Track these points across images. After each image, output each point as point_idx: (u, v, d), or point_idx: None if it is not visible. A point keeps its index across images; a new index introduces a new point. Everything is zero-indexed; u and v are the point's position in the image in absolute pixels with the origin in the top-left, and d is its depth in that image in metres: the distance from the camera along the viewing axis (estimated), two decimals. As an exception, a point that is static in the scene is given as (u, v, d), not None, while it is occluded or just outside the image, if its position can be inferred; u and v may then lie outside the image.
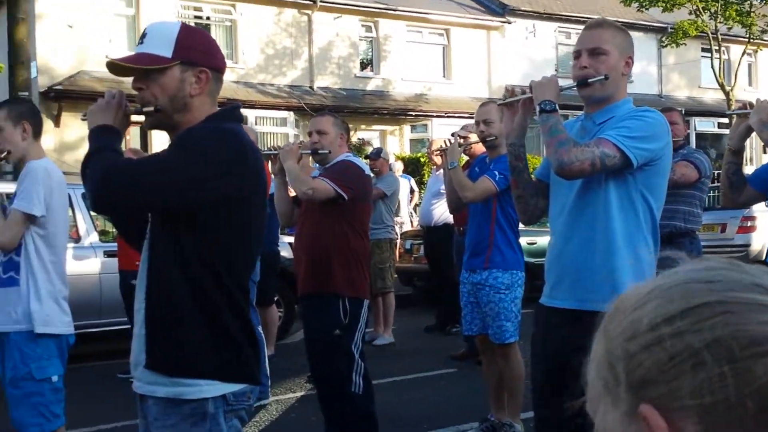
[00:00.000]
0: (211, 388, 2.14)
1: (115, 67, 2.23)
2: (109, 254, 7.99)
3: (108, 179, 2.08)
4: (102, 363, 7.69)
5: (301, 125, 18.90)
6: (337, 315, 4.15)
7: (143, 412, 2.28)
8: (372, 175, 6.31)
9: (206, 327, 2.15)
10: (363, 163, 4.52)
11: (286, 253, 8.66)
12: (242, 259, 2.24)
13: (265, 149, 4.91)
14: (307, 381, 6.75)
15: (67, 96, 15.86)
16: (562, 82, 2.98)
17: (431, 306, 9.89)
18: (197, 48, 2.23)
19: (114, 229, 8.64)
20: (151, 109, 2.20)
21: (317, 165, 4.60)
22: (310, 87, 19.93)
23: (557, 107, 2.88)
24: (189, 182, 2.09)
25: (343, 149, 4.45)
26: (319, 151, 4.35)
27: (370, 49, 21.39)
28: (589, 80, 2.87)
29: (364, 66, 21.17)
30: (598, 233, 2.86)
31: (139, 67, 2.20)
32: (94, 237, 8.19)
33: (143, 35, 2.25)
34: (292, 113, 18.89)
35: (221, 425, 2.16)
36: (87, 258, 7.88)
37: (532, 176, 3.18)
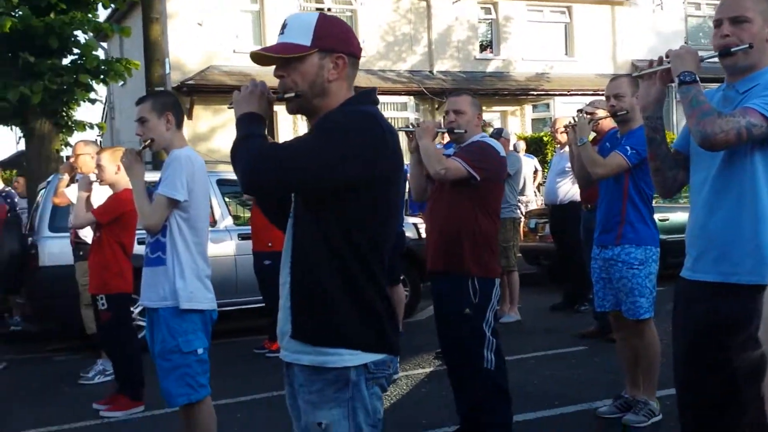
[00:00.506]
0: (353, 357, 2.24)
1: (258, 57, 2.35)
2: (243, 237, 8.35)
3: (256, 163, 2.20)
4: (238, 339, 8.04)
5: (421, 109, 19.02)
6: (467, 294, 4.18)
7: (289, 379, 2.41)
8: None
9: (348, 299, 2.25)
10: (498, 144, 4.47)
11: (410, 233, 8.79)
12: (381, 236, 2.32)
13: (402, 127, 4.97)
14: (435, 357, 6.85)
15: (198, 90, 16.57)
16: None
17: (557, 285, 9.79)
18: (334, 36, 2.32)
19: (246, 214, 9.04)
20: (292, 94, 2.31)
21: (444, 145, 4.63)
22: (430, 71, 19.98)
23: (698, 78, 2.81)
24: (331, 164, 2.18)
25: (479, 129, 4.45)
26: (455, 131, 4.36)
27: (490, 31, 21.22)
28: (732, 50, 2.78)
29: (483, 48, 21.03)
30: (744, 205, 2.77)
31: (280, 56, 2.31)
32: (229, 221, 8.57)
33: (284, 26, 2.36)
34: (412, 98, 19.02)
35: (363, 392, 2.26)
36: (222, 241, 8.27)
37: (671, 148, 3.11)
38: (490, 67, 20.75)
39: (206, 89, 16.61)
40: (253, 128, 2.32)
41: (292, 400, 2.43)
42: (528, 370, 6.21)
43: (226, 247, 8.33)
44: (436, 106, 19.02)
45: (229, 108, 2.54)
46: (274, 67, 2.36)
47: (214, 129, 16.96)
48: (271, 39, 17.30)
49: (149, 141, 3.81)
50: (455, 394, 4.48)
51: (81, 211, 5.71)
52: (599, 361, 6.41)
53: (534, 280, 10.96)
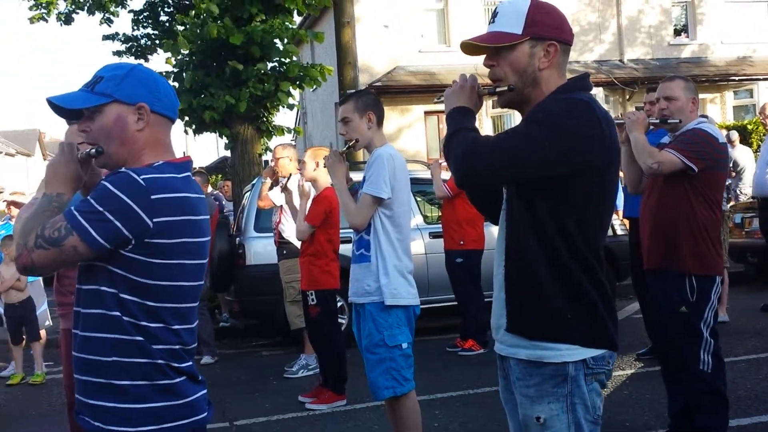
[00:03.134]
0: (571, 353, 2.18)
1: (468, 47, 2.34)
2: (434, 235, 8.42)
3: (469, 157, 2.19)
4: (430, 338, 8.10)
5: (611, 100, 18.35)
6: (683, 292, 3.93)
7: (504, 372, 2.38)
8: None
9: (565, 293, 2.19)
10: (716, 130, 4.12)
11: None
12: (598, 226, 2.25)
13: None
14: (635, 359, 6.58)
15: (385, 92, 16.94)
16: None
17: (767, 284, 9.10)
18: (546, 22, 2.26)
19: (436, 213, 9.11)
20: (505, 88, 2.27)
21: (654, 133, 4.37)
22: (620, 60, 19.27)
23: None
24: (545, 155, 2.12)
25: (695, 115, 4.12)
26: (669, 121, 4.10)
27: (684, 15, 20.15)
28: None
29: (677, 33, 20.00)
30: None
31: (490, 46, 2.28)
32: (419, 219, 8.67)
33: (494, 14, 2.33)
34: (601, 89, 18.37)
35: (582, 387, 2.19)
36: (413, 239, 8.34)
37: None
38: (685, 53, 19.70)
39: (393, 90, 16.95)
40: (465, 122, 2.31)
41: (506, 393, 2.41)
42: (740, 373, 5.81)
43: (417, 245, 8.42)
44: (627, 96, 18.31)
45: (435, 102, 2.55)
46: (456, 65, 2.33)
47: (401, 129, 17.28)
48: (456, 37, 17.53)
49: (353, 141, 3.91)
50: (668, 394, 4.26)
51: (301, 225, 5.86)
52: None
53: (742, 279, 10.25)
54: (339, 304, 7.02)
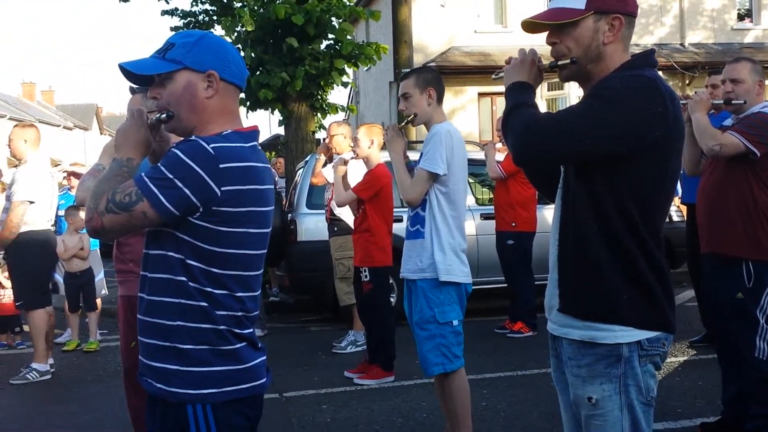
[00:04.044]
0: (625, 334, 2.15)
1: (529, 25, 2.30)
2: (485, 217, 8.39)
3: (528, 132, 2.16)
4: (479, 319, 8.09)
5: (670, 85, 17.94)
6: (739, 278, 3.87)
7: (556, 351, 2.37)
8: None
9: (620, 274, 2.16)
10: None
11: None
12: (658, 207, 2.21)
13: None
14: (688, 346, 6.50)
15: (439, 72, 16.75)
16: None
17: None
18: None
19: (487, 194, 9.07)
20: (567, 61, 2.23)
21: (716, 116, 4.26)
22: (681, 44, 18.84)
23: None
24: (607, 131, 2.09)
25: (761, 99, 4.03)
26: (733, 102, 4.01)
27: (748, -1, 19.60)
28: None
29: (741, 17, 19.47)
30: None
31: (552, 23, 2.25)
32: (471, 200, 8.64)
33: None
34: (660, 73, 17.95)
35: (636, 369, 2.17)
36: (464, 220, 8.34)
37: None
38: (749, 38, 19.17)
39: (447, 70, 16.83)
40: (524, 97, 2.28)
41: (558, 372, 2.40)
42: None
43: (468, 226, 8.35)
44: (687, 81, 17.91)
45: (494, 78, 2.52)
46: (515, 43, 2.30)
47: (454, 110, 17.19)
48: (513, 17, 17.34)
49: (412, 116, 3.91)
50: (723, 381, 4.20)
51: (341, 190, 6.01)
52: None
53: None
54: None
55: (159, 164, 2.02)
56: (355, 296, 6.41)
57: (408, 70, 11.57)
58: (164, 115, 2.15)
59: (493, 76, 2.56)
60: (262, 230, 2.15)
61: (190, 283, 2.04)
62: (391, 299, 7.52)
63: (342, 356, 6.84)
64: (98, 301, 8.12)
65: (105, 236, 2.10)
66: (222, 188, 2.00)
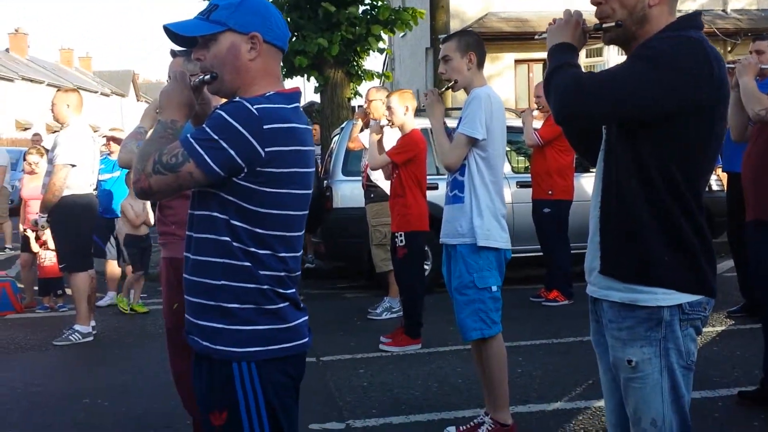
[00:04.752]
0: (666, 297, 2.15)
1: None
2: (521, 185, 8.35)
3: (571, 93, 2.14)
4: (514, 287, 8.09)
5: (711, 53, 17.60)
6: None
7: (596, 315, 2.37)
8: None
9: (663, 236, 2.15)
10: None
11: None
12: (702, 169, 2.19)
13: None
14: (726, 316, 6.45)
15: (453, 36, 16.62)
16: None
17: None
18: None
19: (523, 162, 9.01)
20: (612, 24, 2.21)
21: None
22: (723, 10, 18.41)
23: None
24: (652, 92, 2.06)
25: None
26: None
27: (795, -38, 19.05)
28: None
29: (786, -18, 18.95)
30: None
31: None
32: (507, 168, 8.59)
33: None
34: (701, 40, 17.67)
35: (677, 332, 2.17)
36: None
37: None
38: (794, 4, 18.67)
39: (484, 37, 16.45)
40: (567, 57, 2.26)
41: (597, 336, 2.40)
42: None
43: (504, 194, 8.35)
44: (729, 48, 17.52)
45: (536, 39, 2.51)
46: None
47: (491, 77, 17.01)
48: (551, -17, 16.98)
49: (453, 83, 3.88)
50: (765, 349, 4.17)
51: (375, 154, 6.03)
52: None
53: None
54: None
55: (204, 125, 2.04)
56: (392, 262, 6.43)
57: (444, 36, 11.51)
58: (208, 77, 2.16)
59: (536, 37, 2.55)
60: (304, 191, 2.17)
61: (234, 243, 2.07)
62: (426, 266, 7.54)
63: (377, 322, 6.90)
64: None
65: (152, 197, 2.13)
66: (266, 149, 2.01)
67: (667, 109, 2.09)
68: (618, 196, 2.21)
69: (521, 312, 7.01)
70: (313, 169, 2.21)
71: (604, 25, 2.24)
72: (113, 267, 8.36)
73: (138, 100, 64.03)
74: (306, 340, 2.21)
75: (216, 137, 2.00)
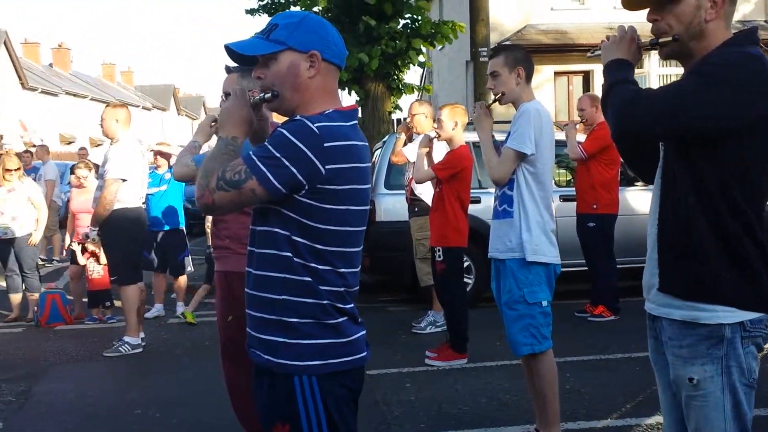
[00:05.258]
0: (727, 315, 2.14)
1: (630, 1, 2.30)
2: (564, 198, 8.29)
3: (629, 109, 2.14)
4: (558, 302, 8.01)
5: (755, 63, 17.37)
6: None
7: (654, 332, 2.36)
8: None
9: (722, 254, 2.14)
10: None
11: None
12: (762, 185, 2.17)
13: None
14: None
15: (501, 51, 16.60)
16: None
17: None
18: None
19: (565, 176, 8.96)
20: (669, 39, 2.22)
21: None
22: (765, 21, 18.18)
23: None
24: (711, 108, 2.06)
25: None
26: None
27: (841, -29, 18.73)
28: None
29: (832, -9, 18.65)
30: None
31: None
32: (551, 182, 8.54)
33: None
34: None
35: (738, 350, 2.15)
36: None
37: None
38: (840, 13, 18.37)
39: (523, 50, 16.62)
40: (624, 74, 2.27)
41: (656, 354, 2.39)
42: None
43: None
44: (773, 59, 17.26)
45: (589, 56, 2.52)
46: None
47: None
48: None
49: (500, 95, 3.90)
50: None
51: (421, 167, 6.05)
52: None
53: None
54: (465, 264, 7.06)
55: (266, 143, 2.08)
56: (432, 277, 6.45)
57: (484, 49, 11.48)
58: (268, 95, 2.20)
59: (589, 54, 2.55)
60: (363, 207, 2.21)
61: (295, 259, 2.10)
62: (467, 280, 7.53)
63: (422, 336, 6.90)
64: (184, 278, 8.38)
65: (215, 212, 2.18)
66: (326, 166, 2.05)
67: (727, 124, 2.08)
68: (676, 212, 2.21)
69: (567, 327, 6.95)
70: (370, 185, 2.24)
71: (660, 41, 2.24)
72: (160, 279, 8.47)
73: (179, 114, 64.95)
74: (365, 354, 2.24)
75: (278, 155, 2.04)
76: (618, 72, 2.28)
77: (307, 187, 2.06)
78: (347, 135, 2.12)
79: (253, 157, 2.07)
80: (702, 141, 2.13)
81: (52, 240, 13.14)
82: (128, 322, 6.64)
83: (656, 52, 2.29)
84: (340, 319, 2.16)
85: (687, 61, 2.26)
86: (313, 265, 2.11)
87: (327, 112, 2.15)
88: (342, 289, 2.16)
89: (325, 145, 2.05)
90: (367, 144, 2.25)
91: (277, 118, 2.86)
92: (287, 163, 2.03)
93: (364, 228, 2.25)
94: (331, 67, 2.22)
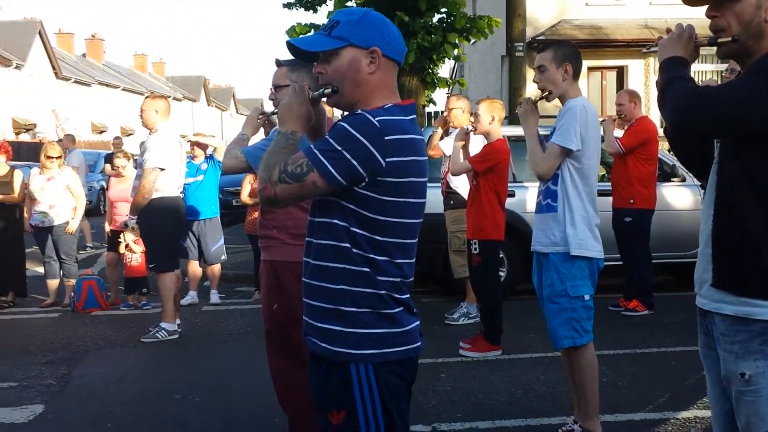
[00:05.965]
0: (781, 310, 2.15)
1: None
2: (600, 193, 8.19)
3: (686, 105, 2.16)
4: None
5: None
6: None
7: (705, 328, 2.37)
8: None
9: None
10: None
11: None
12: None
13: None
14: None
15: (550, 45, 16.54)
16: None
17: None
18: None
19: (600, 171, 8.91)
20: (728, 39, 2.21)
21: None
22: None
23: None
24: (766, 107, 2.08)
25: None
26: None
27: None
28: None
29: None
30: None
31: None
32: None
33: None
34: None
35: None
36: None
37: None
38: None
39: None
40: (681, 71, 2.28)
41: (706, 349, 2.40)
42: None
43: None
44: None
45: (644, 53, 2.55)
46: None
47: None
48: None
49: (548, 93, 3.91)
50: None
51: (458, 160, 6.07)
52: None
53: None
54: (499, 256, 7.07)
55: (327, 137, 2.12)
56: (468, 269, 6.47)
57: (520, 44, 11.47)
58: (329, 90, 2.24)
59: (644, 50, 2.57)
60: (420, 200, 2.24)
61: (354, 250, 2.14)
62: (501, 273, 7.54)
63: (455, 327, 6.93)
64: (218, 266, 8.47)
65: (277, 204, 2.23)
66: (387, 159, 2.09)
67: None
68: (731, 209, 2.22)
69: (600, 321, 6.87)
70: (427, 179, 2.28)
71: (719, 40, 2.25)
72: (195, 267, 8.58)
73: (209, 105, 65.34)
74: (419, 344, 2.28)
75: (339, 148, 2.08)
76: (676, 69, 2.29)
77: (367, 180, 2.09)
78: (406, 129, 2.16)
79: (315, 150, 2.11)
80: (758, 139, 2.14)
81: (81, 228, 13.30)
82: (165, 308, 6.74)
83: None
84: (397, 309, 2.20)
85: (745, 60, 2.27)
86: (371, 255, 2.15)
87: (387, 106, 2.18)
88: (398, 279, 2.21)
89: (386, 138, 2.09)
90: (424, 138, 2.28)
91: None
92: (348, 156, 2.07)
93: (421, 220, 2.29)
94: (391, 62, 2.25)
